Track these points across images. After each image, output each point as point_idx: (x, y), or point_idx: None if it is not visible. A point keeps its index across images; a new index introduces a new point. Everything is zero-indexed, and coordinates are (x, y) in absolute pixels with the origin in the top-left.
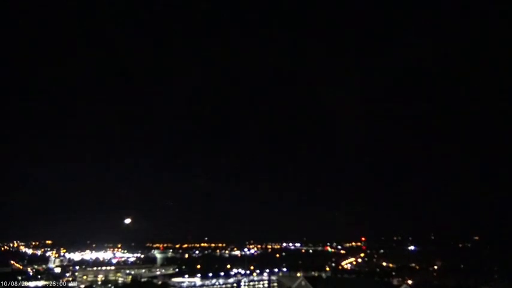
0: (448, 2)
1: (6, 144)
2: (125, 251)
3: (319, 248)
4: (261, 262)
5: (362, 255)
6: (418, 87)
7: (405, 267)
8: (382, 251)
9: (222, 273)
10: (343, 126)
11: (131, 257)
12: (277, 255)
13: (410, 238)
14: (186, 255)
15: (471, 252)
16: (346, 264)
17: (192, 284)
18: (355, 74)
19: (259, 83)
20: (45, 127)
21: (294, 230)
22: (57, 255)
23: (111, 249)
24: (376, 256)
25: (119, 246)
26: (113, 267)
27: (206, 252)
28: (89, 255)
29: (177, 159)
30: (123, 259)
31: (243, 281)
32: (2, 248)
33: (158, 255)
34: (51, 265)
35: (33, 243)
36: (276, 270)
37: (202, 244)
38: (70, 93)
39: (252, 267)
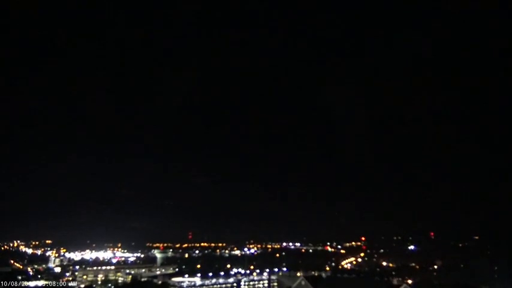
0: (448, 1)
1: (6, 144)
2: (125, 251)
3: (319, 248)
4: (261, 262)
5: (362, 255)
6: (419, 85)
7: (405, 267)
8: (382, 250)
9: (222, 273)
10: (343, 125)
11: (131, 257)
12: (277, 255)
13: (410, 238)
14: (186, 255)
15: (471, 252)
16: (346, 264)
17: (192, 283)
18: (355, 73)
19: (260, 82)
20: (45, 127)
21: (294, 230)
22: (57, 254)
23: (111, 249)
24: (376, 256)
25: (119, 246)
26: (113, 267)
27: (206, 252)
28: (89, 254)
29: (177, 159)
30: (123, 259)
31: (243, 280)
32: (2, 248)
33: (158, 255)
34: (51, 265)
35: (33, 243)
36: (276, 270)
37: (202, 244)
38: (69, 93)
39: (252, 267)
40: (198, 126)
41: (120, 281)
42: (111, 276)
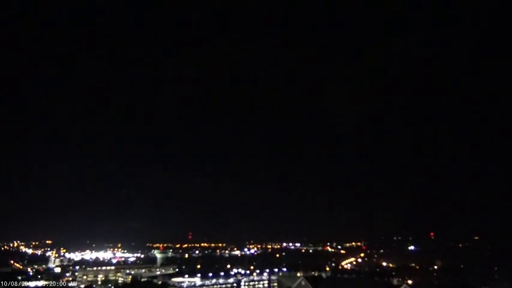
0: (447, 2)
1: (6, 144)
2: (125, 251)
3: (319, 248)
4: (261, 262)
5: (362, 255)
6: (418, 86)
7: (405, 267)
8: (382, 251)
9: (222, 273)
10: (343, 126)
11: (131, 257)
12: (277, 255)
13: (410, 238)
14: (186, 255)
15: (471, 252)
16: (346, 264)
17: (192, 284)
18: (355, 73)
19: (260, 83)
20: (46, 127)
21: (294, 230)
22: (57, 255)
23: (111, 249)
24: (376, 256)
25: (119, 246)
26: (113, 267)
27: (206, 252)
28: (89, 255)
29: (177, 159)
30: (123, 259)
31: (243, 281)
32: (2, 248)
33: (158, 255)
34: (51, 265)
35: (33, 243)
36: (276, 270)
37: (202, 244)
38: (70, 93)
39: (252, 267)
40: (199, 126)
41: (120, 281)
42: (111, 277)
